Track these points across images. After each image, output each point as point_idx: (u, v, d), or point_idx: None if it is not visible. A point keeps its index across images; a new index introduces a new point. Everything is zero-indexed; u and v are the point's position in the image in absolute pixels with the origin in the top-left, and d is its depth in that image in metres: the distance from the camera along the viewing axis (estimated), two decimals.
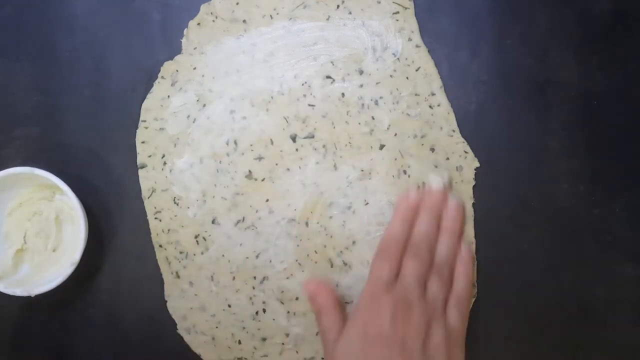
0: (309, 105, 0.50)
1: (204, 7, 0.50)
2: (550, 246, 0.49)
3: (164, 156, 0.50)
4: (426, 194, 0.48)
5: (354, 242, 0.49)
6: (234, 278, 0.49)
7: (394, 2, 0.50)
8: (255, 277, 0.49)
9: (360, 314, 0.43)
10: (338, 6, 0.50)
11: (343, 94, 0.50)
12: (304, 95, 0.50)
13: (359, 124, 0.50)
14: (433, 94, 0.50)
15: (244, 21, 0.50)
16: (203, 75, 0.50)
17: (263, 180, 0.50)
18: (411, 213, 0.47)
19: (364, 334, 0.42)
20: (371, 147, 0.50)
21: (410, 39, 0.50)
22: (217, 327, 0.50)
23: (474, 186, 0.49)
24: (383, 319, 0.41)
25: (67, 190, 0.46)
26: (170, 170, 0.50)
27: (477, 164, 0.49)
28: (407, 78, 0.50)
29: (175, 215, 0.50)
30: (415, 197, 0.47)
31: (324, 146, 0.49)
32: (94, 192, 0.50)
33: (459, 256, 0.47)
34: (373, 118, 0.50)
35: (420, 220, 0.47)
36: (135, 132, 0.50)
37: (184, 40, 0.50)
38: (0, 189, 0.47)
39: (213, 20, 0.50)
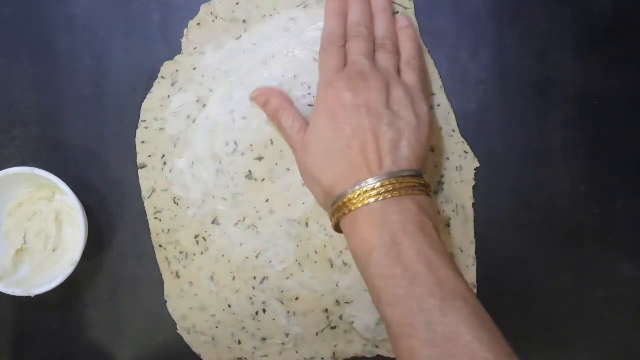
0: (309, 105, 0.50)
1: (204, 7, 0.50)
2: (550, 246, 0.49)
3: (164, 156, 0.50)
4: None
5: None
6: (234, 278, 0.49)
7: (393, 2, 0.50)
8: (255, 277, 0.49)
9: (320, 99, 0.43)
10: None
11: None
12: (304, 95, 0.50)
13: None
14: (433, 94, 0.50)
15: (244, 21, 0.50)
16: (203, 76, 0.50)
17: (263, 180, 0.50)
18: (341, 5, 0.47)
19: (330, 112, 0.42)
20: None
21: None
22: (217, 328, 0.50)
23: (474, 186, 0.49)
24: (344, 94, 0.42)
25: (67, 190, 0.46)
26: (171, 171, 0.50)
27: (477, 164, 0.49)
28: None
29: (175, 215, 0.50)
30: None
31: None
32: (94, 192, 0.50)
33: (398, 27, 0.47)
34: None
35: (351, 10, 0.47)
36: (135, 132, 0.50)
37: (184, 40, 0.50)
38: (0, 189, 0.47)
39: (213, 20, 0.50)
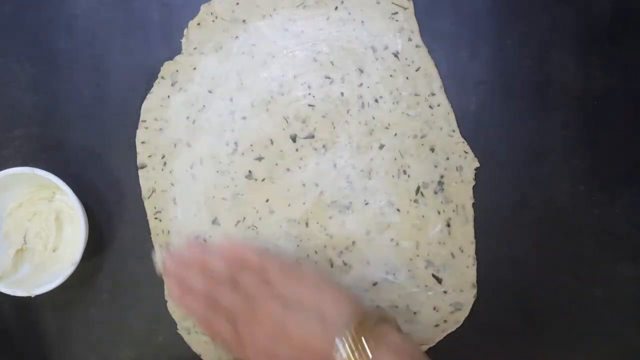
0: (309, 105, 0.50)
1: (204, 7, 0.50)
2: (550, 246, 0.49)
3: (164, 156, 0.50)
4: (169, 273, 0.46)
5: (353, 242, 0.49)
6: None
7: (392, 3, 0.50)
8: None
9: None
10: (337, 7, 0.50)
11: (342, 94, 0.50)
12: (304, 95, 0.50)
13: (359, 123, 0.50)
14: (433, 94, 0.50)
15: (244, 21, 0.50)
16: (203, 76, 0.50)
17: (263, 180, 0.50)
18: (187, 297, 0.44)
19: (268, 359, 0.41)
20: (371, 147, 0.50)
21: (410, 39, 0.50)
22: None
23: (474, 186, 0.49)
24: (258, 343, 0.41)
25: (67, 190, 0.46)
26: (171, 171, 0.50)
27: (477, 164, 0.49)
28: (407, 78, 0.50)
29: (175, 216, 0.50)
30: (178, 292, 0.45)
31: (324, 146, 0.49)
32: (94, 192, 0.50)
33: (227, 251, 0.45)
34: (373, 118, 0.50)
35: (191, 282, 0.44)
36: (135, 132, 0.50)
37: (184, 40, 0.50)
38: (0, 189, 0.47)
39: (213, 20, 0.50)
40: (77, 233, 0.47)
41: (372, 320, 0.39)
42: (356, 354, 0.37)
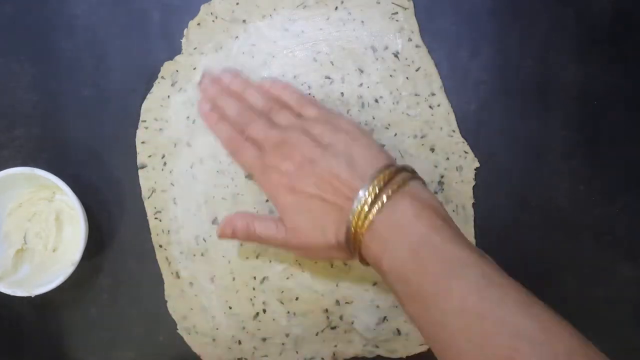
0: None
1: (204, 7, 0.50)
2: (550, 246, 0.49)
3: (164, 156, 0.50)
4: (205, 90, 0.47)
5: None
6: (234, 279, 0.49)
7: (392, 3, 0.50)
8: (255, 278, 0.49)
9: (267, 187, 0.43)
10: (337, 7, 0.50)
11: (342, 94, 0.50)
12: None
13: (359, 123, 0.49)
14: (433, 94, 0.50)
15: (244, 21, 0.50)
16: None
17: None
18: (217, 113, 0.46)
19: (286, 191, 0.41)
20: None
21: (410, 39, 0.50)
22: (217, 329, 0.50)
23: (474, 186, 0.49)
24: (281, 167, 0.41)
25: (67, 190, 0.46)
26: (171, 171, 0.50)
27: (477, 164, 0.49)
28: (407, 78, 0.50)
29: (175, 216, 0.50)
30: (208, 107, 0.46)
31: None
32: (94, 192, 0.50)
33: (266, 89, 0.47)
34: (373, 118, 0.50)
35: (227, 107, 0.46)
36: (135, 132, 0.50)
37: (184, 41, 0.50)
38: (0, 189, 0.47)
39: (213, 20, 0.50)
40: (77, 233, 0.47)
41: (401, 175, 0.39)
42: (376, 201, 0.38)
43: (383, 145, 0.49)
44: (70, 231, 0.50)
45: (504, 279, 0.36)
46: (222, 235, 0.45)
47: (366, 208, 0.38)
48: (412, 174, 0.40)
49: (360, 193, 0.38)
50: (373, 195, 0.38)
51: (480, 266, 0.36)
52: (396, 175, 0.39)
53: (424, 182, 0.41)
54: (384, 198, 0.38)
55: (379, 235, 0.38)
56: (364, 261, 0.40)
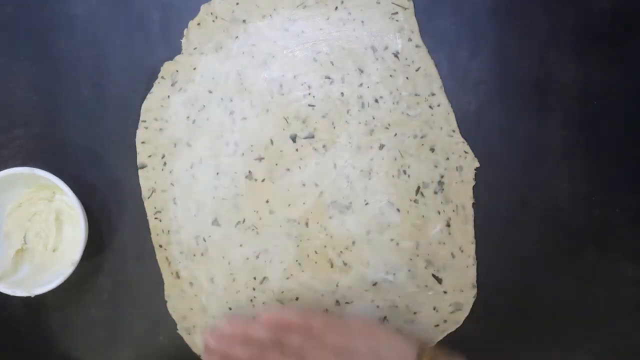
0: (309, 105, 0.50)
1: (204, 7, 0.50)
2: (550, 246, 0.49)
3: (164, 156, 0.50)
4: (212, 351, 0.45)
5: (353, 242, 0.49)
6: (234, 279, 0.49)
7: (392, 3, 0.50)
8: (255, 278, 0.49)
9: None
10: (337, 7, 0.50)
11: (342, 94, 0.50)
12: (304, 95, 0.50)
13: (359, 123, 0.50)
14: (433, 94, 0.50)
15: (244, 21, 0.50)
16: (203, 76, 0.50)
17: (263, 180, 0.50)
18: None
19: None
20: (371, 147, 0.50)
21: (410, 39, 0.50)
22: None
23: (474, 186, 0.49)
24: None
25: (67, 190, 0.46)
26: (171, 171, 0.50)
27: (477, 164, 0.49)
28: (407, 78, 0.50)
29: (175, 216, 0.50)
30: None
31: (324, 146, 0.49)
32: (94, 192, 0.51)
33: (266, 318, 0.44)
34: (373, 118, 0.50)
35: (235, 354, 0.44)
36: (135, 132, 0.50)
37: (184, 41, 0.50)
38: (0, 189, 0.47)
39: (213, 20, 0.50)
40: (77, 233, 0.47)
41: (428, 356, 0.38)
42: None
43: (432, 150, 0.49)
44: (70, 231, 0.50)
45: None
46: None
47: None
48: (449, 353, 0.40)
49: None
50: None
51: None
52: (438, 356, 0.38)
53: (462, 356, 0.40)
54: None
55: None
56: None
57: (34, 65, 0.51)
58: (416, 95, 0.50)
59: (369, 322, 0.42)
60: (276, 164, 0.50)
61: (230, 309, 0.49)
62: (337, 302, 0.49)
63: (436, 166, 0.49)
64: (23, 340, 0.51)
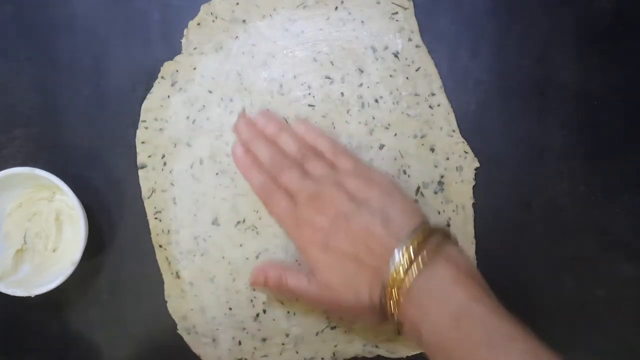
0: (309, 105, 0.50)
1: (204, 7, 0.50)
2: (550, 246, 0.49)
3: (164, 156, 0.50)
4: (240, 133, 0.47)
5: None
6: (234, 279, 0.49)
7: (392, 3, 0.50)
8: None
9: (302, 242, 0.42)
10: (337, 7, 0.50)
11: (342, 94, 0.50)
12: (304, 95, 0.50)
13: (359, 123, 0.50)
14: (433, 94, 0.50)
15: (244, 21, 0.50)
16: (203, 76, 0.50)
17: None
18: (249, 155, 0.46)
19: (318, 246, 0.41)
20: (371, 147, 0.50)
21: (410, 39, 0.50)
22: (217, 329, 0.49)
23: (474, 186, 0.49)
24: (315, 222, 0.41)
25: (67, 190, 0.46)
26: (170, 171, 0.50)
27: (477, 164, 0.49)
28: (407, 78, 0.50)
29: (175, 216, 0.50)
30: (241, 151, 0.47)
31: None
32: (94, 192, 0.50)
33: (300, 132, 0.46)
34: (373, 118, 0.50)
35: (259, 151, 0.46)
36: (135, 132, 0.50)
37: (184, 40, 0.50)
38: (0, 189, 0.47)
39: (213, 21, 0.50)
40: (77, 233, 0.47)
41: (435, 236, 0.39)
42: (412, 264, 0.37)
43: (432, 150, 0.49)
44: (70, 231, 0.50)
45: (548, 353, 0.36)
46: (254, 284, 0.45)
47: (401, 271, 0.37)
48: (446, 235, 0.40)
49: (396, 254, 0.38)
50: (408, 257, 0.37)
51: (524, 340, 0.36)
52: (431, 236, 0.38)
53: (457, 242, 0.41)
54: (420, 261, 0.37)
55: (417, 302, 0.37)
56: (399, 326, 0.39)
57: (34, 65, 0.51)
58: (416, 95, 0.50)
59: (390, 181, 0.43)
60: None
61: (230, 308, 0.49)
62: None
63: (436, 166, 0.49)
64: (23, 340, 0.51)
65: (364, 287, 0.39)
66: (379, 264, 0.38)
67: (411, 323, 0.38)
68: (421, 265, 0.37)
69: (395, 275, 0.37)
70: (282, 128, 0.47)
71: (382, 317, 0.40)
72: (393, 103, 0.50)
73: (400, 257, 0.37)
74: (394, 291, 0.37)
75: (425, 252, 0.37)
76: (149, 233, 0.50)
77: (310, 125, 0.48)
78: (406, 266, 0.37)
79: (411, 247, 0.38)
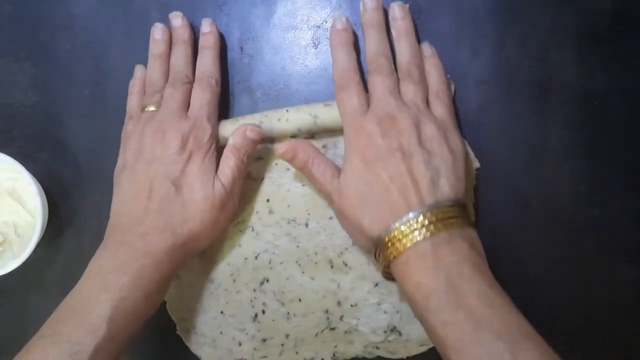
0: None
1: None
2: (550, 246, 0.49)
3: None
4: (363, 13, 0.46)
5: (353, 243, 0.49)
6: (234, 280, 0.49)
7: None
8: (255, 279, 0.49)
9: (351, 146, 0.42)
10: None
11: None
12: None
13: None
14: None
15: None
16: None
17: (263, 180, 0.50)
18: (348, 36, 0.45)
19: (363, 158, 0.41)
20: None
21: None
22: (217, 330, 0.49)
23: (474, 186, 0.49)
24: (374, 139, 0.41)
25: (18, 167, 0.45)
26: None
27: (477, 164, 0.49)
28: None
29: None
30: (344, 23, 0.46)
31: (324, 146, 0.49)
32: (94, 192, 0.50)
33: (423, 54, 0.46)
34: None
35: (368, 39, 0.45)
36: None
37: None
38: None
39: None
40: (35, 209, 0.46)
41: (462, 218, 0.39)
42: (427, 220, 0.38)
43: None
44: (31, 208, 0.48)
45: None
46: (282, 155, 0.45)
47: (419, 224, 0.38)
48: (469, 221, 0.40)
49: (420, 209, 0.38)
50: (427, 219, 0.38)
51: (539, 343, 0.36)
52: (459, 215, 0.39)
53: (476, 233, 0.41)
54: (427, 230, 0.38)
55: (423, 258, 0.38)
56: (386, 274, 0.40)
57: (34, 65, 0.51)
58: None
59: (461, 150, 0.43)
60: (276, 164, 0.49)
61: (230, 309, 0.49)
62: (338, 302, 0.49)
63: None
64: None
65: (374, 213, 0.40)
66: (402, 208, 0.39)
67: (417, 285, 0.38)
68: (439, 227, 0.37)
69: (410, 223, 0.38)
70: (407, 32, 0.45)
71: (374, 249, 0.40)
72: None
73: (419, 215, 0.38)
74: (401, 237, 0.38)
75: (447, 222, 0.38)
76: None
77: (437, 55, 0.47)
78: (413, 228, 0.38)
79: (427, 218, 0.38)
